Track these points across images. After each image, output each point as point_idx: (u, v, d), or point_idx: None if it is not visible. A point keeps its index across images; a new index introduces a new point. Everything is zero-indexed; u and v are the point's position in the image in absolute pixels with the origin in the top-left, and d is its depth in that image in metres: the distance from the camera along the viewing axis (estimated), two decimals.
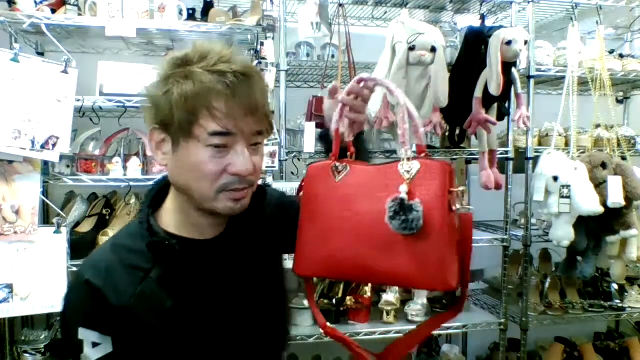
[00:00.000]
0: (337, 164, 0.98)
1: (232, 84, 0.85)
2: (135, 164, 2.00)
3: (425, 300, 2.28)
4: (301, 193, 1.03)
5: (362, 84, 1.03)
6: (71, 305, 0.91)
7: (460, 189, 0.90)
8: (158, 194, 1.01)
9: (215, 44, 0.91)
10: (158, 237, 0.92)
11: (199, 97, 0.85)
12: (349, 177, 0.96)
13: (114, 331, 0.88)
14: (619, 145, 2.33)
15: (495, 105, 2.14)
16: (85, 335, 0.87)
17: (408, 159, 0.89)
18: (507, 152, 2.25)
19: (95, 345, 0.86)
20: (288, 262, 1.89)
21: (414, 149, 0.93)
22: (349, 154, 1.02)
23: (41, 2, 1.91)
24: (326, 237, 0.94)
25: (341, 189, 0.95)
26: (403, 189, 0.87)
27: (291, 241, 1.02)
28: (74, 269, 1.88)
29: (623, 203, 2.06)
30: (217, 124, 0.86)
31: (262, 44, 1.97)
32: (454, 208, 0.89)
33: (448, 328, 2.22)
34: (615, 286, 2.48)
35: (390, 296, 2.18)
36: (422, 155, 0.91)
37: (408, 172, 0.88)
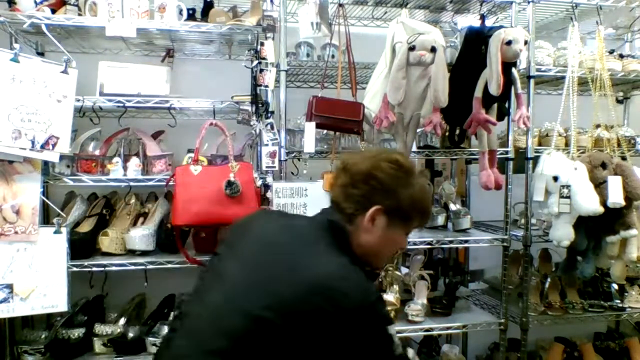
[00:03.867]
0: (193, 165, 1.89)
1: (430, 198, 1.48)
2: (135, 164, 2.00)
3: (425, 300, 2.28)
4: (171, 181, 1.90)
5: None
6: (383, 312, 1.23)
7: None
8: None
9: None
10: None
11: (424, 205, 1.33)
12: (202, 172, 1.87)
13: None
14: (619, 145, 2.33)
15: (495, 105, 2.14)
16: (391, 330, 1.18)
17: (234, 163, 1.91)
18: (507, 152, 2.25)
19: (394, 335, 1.19)
20: None
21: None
22: None
23: (41, 2, 1.91)
24: (193, 202, 1.81)
25: (198, 177, 1.86)
26: (231, 175, 1.85)
27: None
28: (74, 269, 1.88)
29: (623, 203, 2.06)
30: (419, 222, 1.35)
31: (262, 44, 1.97)
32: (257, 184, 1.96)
33: (448, 328, 2.22)
34: (615, 286, 2.48)
35: (390, 296, 2.18)
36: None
37: (233, 167, 1.88)
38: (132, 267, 1.94)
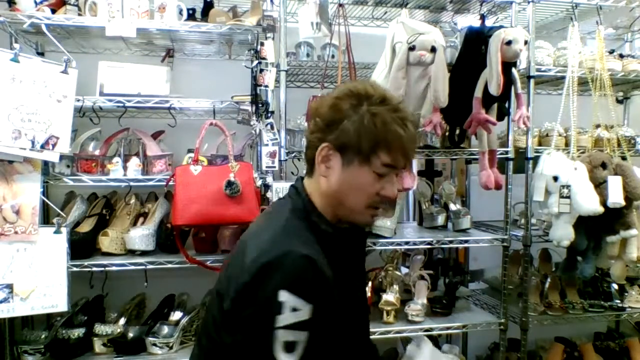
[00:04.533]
0: (193, 165, 1.88)
1: (408, 131, 1.10)
2: (135, 164, 2.00)
3: (425, 300, 2.28)
4: (171, 181, 1.89)
5: None
6: (280, 270, 0.98)
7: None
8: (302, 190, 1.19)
9: (382, 88, 1.16)
10: (330, 226, 1.14)
11: (387, 136, 1.08)
12: (202, 172, 1.87)
13: (316, 300, 0.99)
14: (619, 145, 2.33)
15: (495, 105, 2.14)
16: (288, 298, 0.96)
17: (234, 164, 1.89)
18: (507, 152, 2.25)
19: (295, 310, 0.96)
20: None
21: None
22: None
23: (41, 2, 1.91)
24: (193, 202, 1.80)
25: (198, 177, 1.85)
26: (231, 175, 1.83)
27: None
28: (74, 269, 1.88)
29: (623, 203, 2.06)
30: (390, 158, 1.10)
31: (262, 44, 1.97)
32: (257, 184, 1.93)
33: (448, 328, 2.22)
34: (615, 286, 2.48)
35: (390, 296, 2.18)
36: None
37: (233, 167, 1.87)
38: (132, 267, 1.94)
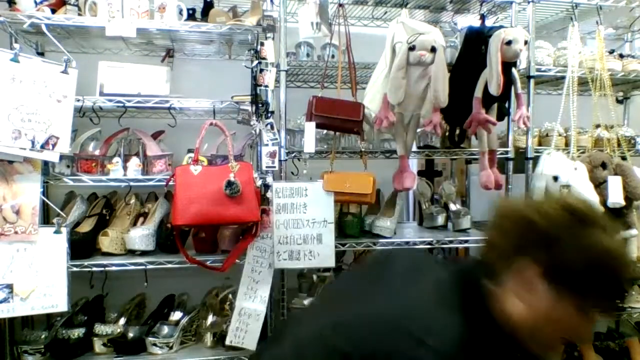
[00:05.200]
0: (193, 165, 1.88)
1: (629, 274, 0.95)
2: (135, 164, 2.00)
3: None
4: (171, 181, 1.89)
5: None
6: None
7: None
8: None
9: (600, 212, 0.96)
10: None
11: (616, 276, 0.90)
12: (202, 172, 1.86)
13: None
14: (619, 145, 2.33)
15: (495, 105, 2.14)
16: None
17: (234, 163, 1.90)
18: (507, 152, 2.25)
19: None
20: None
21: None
22: None
23: (41, 2, 1.91)
24: (193, 202, 1.80)
25: (198, 177, 1.84)
26: (231, 175, 1.83)
27: None
28: (74, 269, 1.88)
29: (623, 203, 2.06)
30: (607, 303, 0.93)
31: (262, 44, 1.97)
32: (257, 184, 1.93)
33: None
34: None
35: None
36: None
37: (233, 167, 1.87)
38: (132, 267, 1.94)
